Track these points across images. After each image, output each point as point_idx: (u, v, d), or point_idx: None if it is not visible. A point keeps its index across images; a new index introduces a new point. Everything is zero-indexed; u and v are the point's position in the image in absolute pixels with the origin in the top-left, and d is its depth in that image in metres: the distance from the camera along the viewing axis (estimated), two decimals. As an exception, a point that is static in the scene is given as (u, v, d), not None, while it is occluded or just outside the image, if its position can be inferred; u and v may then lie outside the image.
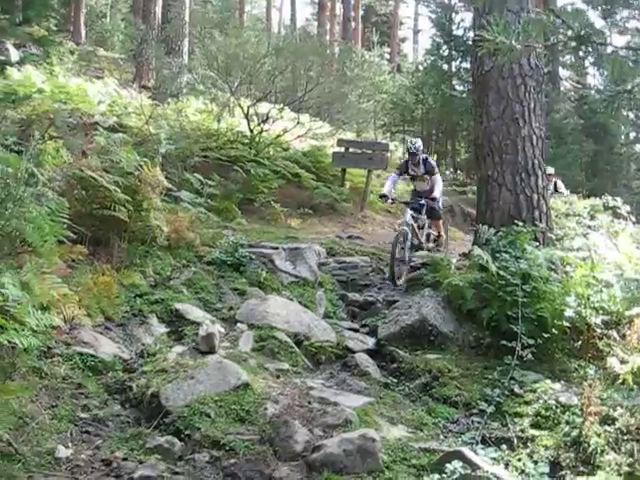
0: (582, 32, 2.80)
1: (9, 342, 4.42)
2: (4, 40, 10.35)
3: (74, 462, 4.16)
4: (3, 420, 4.05)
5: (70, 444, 4.37)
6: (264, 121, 13.33)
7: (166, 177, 8.04)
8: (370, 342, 6.64)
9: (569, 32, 2.86)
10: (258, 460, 4.32)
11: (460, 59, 19.76)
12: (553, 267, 6.77)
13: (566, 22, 2.82)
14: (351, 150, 13.57)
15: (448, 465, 3.78)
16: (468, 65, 16.70)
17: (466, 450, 4.04)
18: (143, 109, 11.48)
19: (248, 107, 13.28)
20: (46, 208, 5.30)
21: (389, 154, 14.80)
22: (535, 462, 4.25)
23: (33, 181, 5.84)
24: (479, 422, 5.06)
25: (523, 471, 3.98)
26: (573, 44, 2.94)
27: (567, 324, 5.96)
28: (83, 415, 4.72)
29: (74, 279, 6.00)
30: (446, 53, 20.62)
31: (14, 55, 11.75)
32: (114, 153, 7.49)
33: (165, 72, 14.20)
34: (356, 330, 7.00)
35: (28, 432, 4.31)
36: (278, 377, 5.55)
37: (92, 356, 5.36)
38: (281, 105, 14.13)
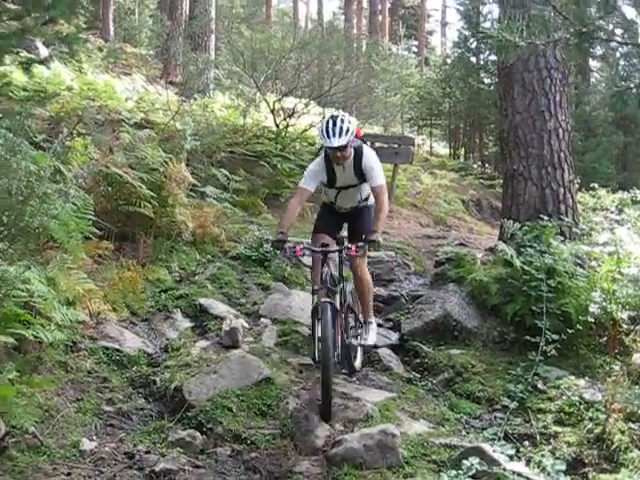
0: (584, 29, 2.76)
1: (35, 337, 4.52)
2: (34, 38, 10.48)
3: (98, 455, 4.24)
4: (29, 413, 4.12)
5: (94, 437, 4.46)
6: (290, 116, 13.35)
7: (192, 173, 8.11)
8: (393, 337, 6.64)
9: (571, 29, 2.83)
10: (279, 454, 4.36)
11: (488, 52, 19.58)
12: (579, 262, 6.70)
13: (567, 18, 2.78)
14: (377, 144, 13.44)
15: (465, 461, 3.77)
16: (495, 57, 16.55)
17: (486, 446, 4.03)
18: (170, 105, 11.55)
19: (274, 102, 13.30)
20: (72, 205, 5.39)
21: (415, 148, 14.72)
22: (557, 458, 4.22)
23: (61, 178, 5.95)
24: (502, 418, 5.03)
25: (544, 468, 3.95)
26: (575, 41, 2.90)
27: (592, 319, 5.90)
28: (107, 408, 4.80)
29: (100, 274, 6.10)
30: (474, 46, 20.45)
31: (44, 53, 11.90)
32: (140, 149, 7.58)
33: (191, 68, 14.25)
34: (380, 325, 6.97)
35: (54, 425, 4.40)
36: (301, 372, 5.58)
37: (117, 350, 5.45)
38: (307, 100, 14.14)
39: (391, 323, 7.03)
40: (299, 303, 6.66)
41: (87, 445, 4.32)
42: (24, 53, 8.52)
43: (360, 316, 5.95)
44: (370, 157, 5.57)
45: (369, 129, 16.88)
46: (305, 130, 13.64)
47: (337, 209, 5.97)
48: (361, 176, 5.60)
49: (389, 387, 5.64)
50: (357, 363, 5.80)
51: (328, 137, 5.29)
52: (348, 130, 5.30)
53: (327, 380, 4.74)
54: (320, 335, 5.04)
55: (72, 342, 5.19)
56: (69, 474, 3.99)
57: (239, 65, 14.09)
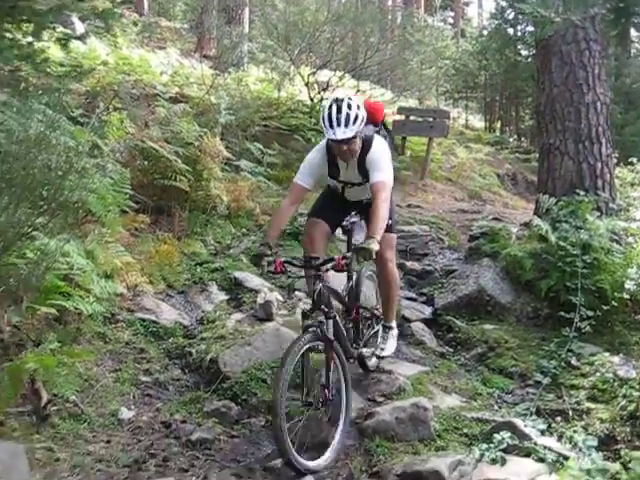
0: (621, 4, 2.71)
1: (75, 308, 4.63)
2: (69, 14, 10.56)
3: (136, 423, 4.36)
4: (70, 382, 4.25)
5: (132, 406, 4.58)
6: (324, 89, 13.29)
7: (226, 147, 8.17)
8: (427, 311, 6.67)
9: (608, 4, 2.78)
10: (313, 425, 4.41)
11: (525, 23, 19.21)
12: (616, 238, 6.63)
13: (605, -6, 2.74)
14: (412, 118, 13.42)
15: (496, 435, 3.80)
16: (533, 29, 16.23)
17: (518, 421, 4.05)
18: (204, 79, 11.58)
19: (308, 75, 13.25)
20: (109, 179, 5.48)
21: (450, 121, 14.60)
22: (589, 435, 4.22)
23: (98, 152, 6.04)
24: (534, 394, 5.05)
25: (576, 444, 3.96)
26: (612, 17, 2.85)
27: (628, 296, 5.85)
28: (145, 379, 4.92)
29: (137, 248, 6.21)
30: (511, 17, 20.07)
31: (79, 28, 11.99)
32: (175, 124, 7.65)
33: (226, 42, 14.26)
34: (413, 299, 7.01)
35: (93, 394, 4.52)
36: (334, 345, 5.64)
37: (154, 322, 5.56)
38: (341, 73, 14.07)
39: (424, 297, 7.05)
40: (332, 276, 6.67)
41: (125, 414, 4.44)
42: (60, 29, 8.61)
43: (377, 312, 5.26)
44: (378, 150, 4.54)
45: (403, 102, 16.75)
46: (339, 103, 13.58)
47: (344, 197, 5.01)
48: (366, 174, 4.59)
49: (422, 361, 5.69)
50: (372, 363, 5.12)
51: (331, 127, 4.32)
52: (356, 118, 4.33)
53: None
54: (272, 396, 3.95)
55: (110, 314, 5.31)
56: (108, 441, 4.11)
57: (273, 38, 14.04)
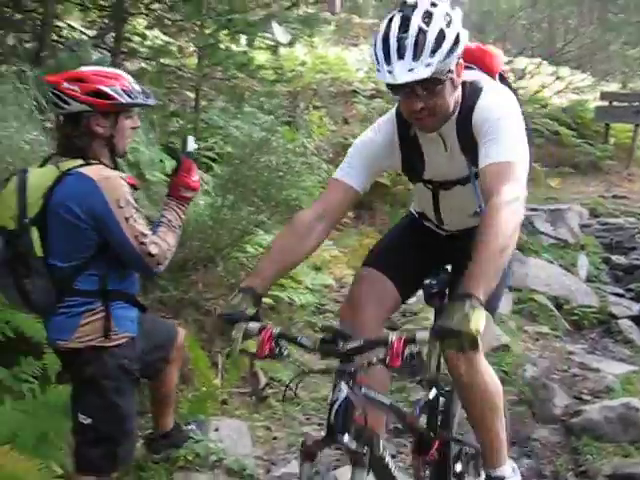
0: None
1: (289, 298, 4.97)
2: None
3: (350, 408, 4.59)
4: (285, 368, 4.58)
5: (338, 393, 4.81)
6: (520, 77, 13.01)
7: (424, 140, 8.27)
8: (635, 308, 6.38)
9: None
10: (517, 420, 4.40)
11: None
12: None
13: None
14: (615, 103, 12.76)
15: None
16: None
17: None
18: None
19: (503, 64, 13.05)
20: (317, 176, 5.79)
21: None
22: None
23: (304, 151, 6.40)
24: None
25: None
26: None
27: None
28: (352, 368, 5.14)
29: (342, 241, 6.48)
30: None
31: (278, 32, 12.58)
32: (374, 120, 7.86)
33: (419, 35, 14.37)
34: (620, 295, 6.74)
35: (306, 379, 4.82)
36: (537, 340, 5.58)
37: (359, 313, 5.78)
38: (538, 59, 13.69)
39: (632, 293, 6.76)
40: (535, 271, 6.58)
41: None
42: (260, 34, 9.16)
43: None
44: (490, 103, 2.29)
45: (605, 87, 15.90)
46: (537, 92, 13.24)
47: (435, 227, 2.81)
48: (476, 153, 2.24)
49: (631, 360, 5.46)
50: None
51: (386, 60, 2.09)
52: (442, 40, 2.11)
53: None
54: None
55: (320, 304, 5.61)
56: (320, 424, 4.34)
57: (466, 28, 13.97)
